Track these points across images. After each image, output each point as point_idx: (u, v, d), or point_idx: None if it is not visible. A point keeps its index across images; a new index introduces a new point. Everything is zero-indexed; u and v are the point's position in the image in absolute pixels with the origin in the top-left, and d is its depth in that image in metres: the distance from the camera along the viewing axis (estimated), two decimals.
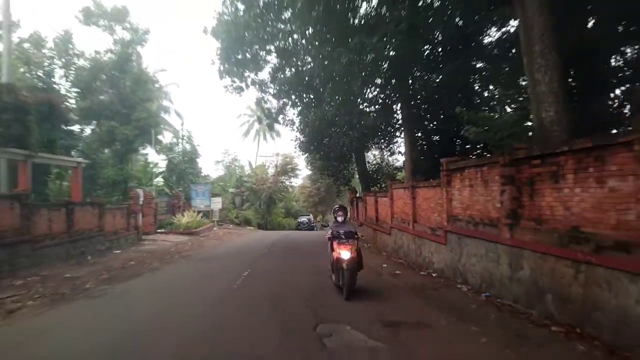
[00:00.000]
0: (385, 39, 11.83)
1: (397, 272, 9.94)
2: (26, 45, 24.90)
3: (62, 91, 25.05)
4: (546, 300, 5.60)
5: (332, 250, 7.56)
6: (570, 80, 9.17)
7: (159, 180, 32.38)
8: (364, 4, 14.95)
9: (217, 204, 30.83)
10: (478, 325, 5.30)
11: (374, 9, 13.72)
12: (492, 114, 8.25)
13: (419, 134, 16.01)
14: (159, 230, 23.06)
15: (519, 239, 6.24)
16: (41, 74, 23.61)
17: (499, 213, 6.76)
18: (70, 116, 21.79)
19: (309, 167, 29.27)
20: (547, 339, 4.77)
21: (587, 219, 4.93)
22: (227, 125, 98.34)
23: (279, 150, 73.95)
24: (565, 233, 5.27)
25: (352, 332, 5.01)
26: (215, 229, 27.75)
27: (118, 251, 15.89)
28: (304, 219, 37.44)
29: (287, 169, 37.84)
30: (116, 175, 24.54)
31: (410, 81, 14.89)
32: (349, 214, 17.17)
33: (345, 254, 7.08)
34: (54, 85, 24.32)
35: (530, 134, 7.58)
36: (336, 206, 8.69)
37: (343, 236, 7.38)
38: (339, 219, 8.00)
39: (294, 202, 45.32)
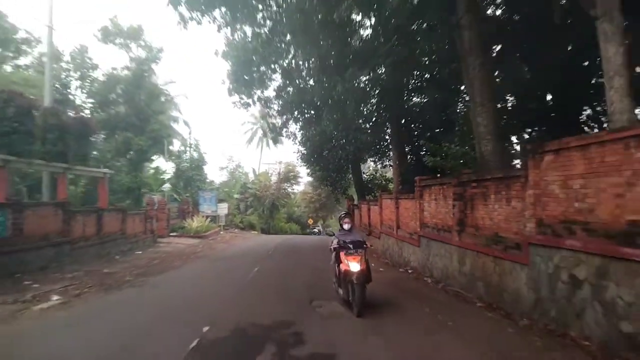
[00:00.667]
0: (376, 72, 14.04)
1: (381, 269, 12.12)
2: (45, 59, 27.37)
3: (78, 101, 27.52)
4: (478, 286, 7.79)
5: (339, 261, 7.06)
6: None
7: (167, 186, 34.75)
8: (356, 35, 17.14)
9: (223, 209, 33.17)
10: (427, 303, 7.48)
11: (366, 41, 15.92)
12: (448, 145, 10.35)
13: (408, 149, 18.24)
14: (171, 234, 25.31)
15: (464, 242, 8.43)
16: (58, 86, 26.03)
17: (452, 222, 8.95)
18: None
19: (310, 175, 31.51)
20: (470, 310, 6.96)
21: (501, 227, 7.12)
22: (231, 132, 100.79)
23: (281, 157, 76.48)
24: (490, 237, 7.47)
25: (337, 306, 7.20)
26: (221, 233, 30.00)
27: (139, 252, 18.11)
28: (315, 229, 42.82)
29: (289, 176, 40.16)
30: (131, 183, 26.83)
31: (399, 103, 17.11)
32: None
33: (354, 266, 6.61)
34: (70, 96, 26.82)
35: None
36: (342, 213, 8.23)
37: (351, 246, 6.94)
38: (345, 226, 7.54)
39: (295, 208, 47.54)
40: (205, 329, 5.68)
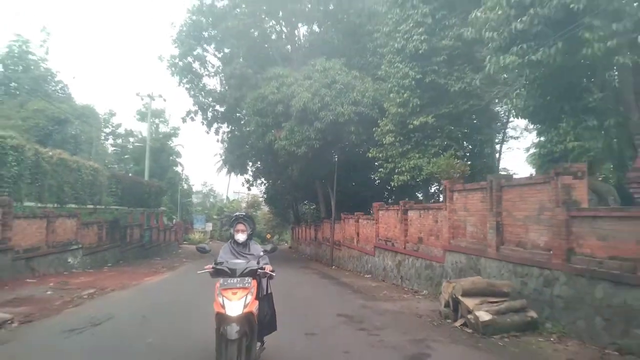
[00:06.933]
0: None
1: (295, 256, 33.32)
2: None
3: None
4: (316, 256, 29.20)
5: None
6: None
7: (163, 208, 54.72)
8: None
9: (209, 227, 53.60)
10: (298, 261, 28.69)
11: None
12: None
13: (314, 205, 39.76)
14: (184, 243, 45.49)
15: (316, 244, 29.84)
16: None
17: (314, 236, 30.31)
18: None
19: (268, 212, 52.84)
20: (310, 261, 28.29)
21: (320, 239, 28.54)
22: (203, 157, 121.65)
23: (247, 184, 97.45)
24: (321, 241, 28.87)
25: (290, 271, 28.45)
26: (210, 242, 50.39)
27: (180, 250, 38.43)
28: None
29: (254, 203, 60.92)
30: None
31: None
32: (256, 229, 41.70)
33: (232, 307, 4.50)
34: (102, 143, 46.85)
35: None
36: (234, 215, 5.74)
37: (231, 272, 4.79)
38: (239, 237, 5.40)
39: (257, 225, 68.12)
40: None
